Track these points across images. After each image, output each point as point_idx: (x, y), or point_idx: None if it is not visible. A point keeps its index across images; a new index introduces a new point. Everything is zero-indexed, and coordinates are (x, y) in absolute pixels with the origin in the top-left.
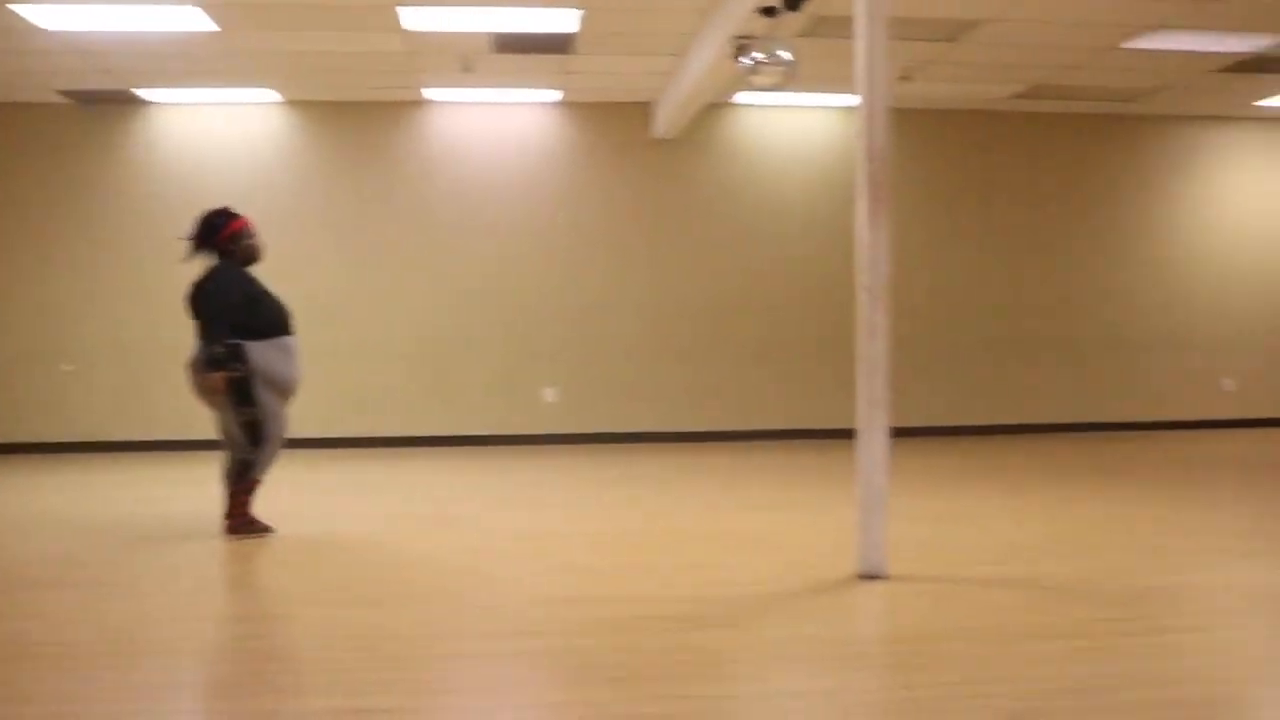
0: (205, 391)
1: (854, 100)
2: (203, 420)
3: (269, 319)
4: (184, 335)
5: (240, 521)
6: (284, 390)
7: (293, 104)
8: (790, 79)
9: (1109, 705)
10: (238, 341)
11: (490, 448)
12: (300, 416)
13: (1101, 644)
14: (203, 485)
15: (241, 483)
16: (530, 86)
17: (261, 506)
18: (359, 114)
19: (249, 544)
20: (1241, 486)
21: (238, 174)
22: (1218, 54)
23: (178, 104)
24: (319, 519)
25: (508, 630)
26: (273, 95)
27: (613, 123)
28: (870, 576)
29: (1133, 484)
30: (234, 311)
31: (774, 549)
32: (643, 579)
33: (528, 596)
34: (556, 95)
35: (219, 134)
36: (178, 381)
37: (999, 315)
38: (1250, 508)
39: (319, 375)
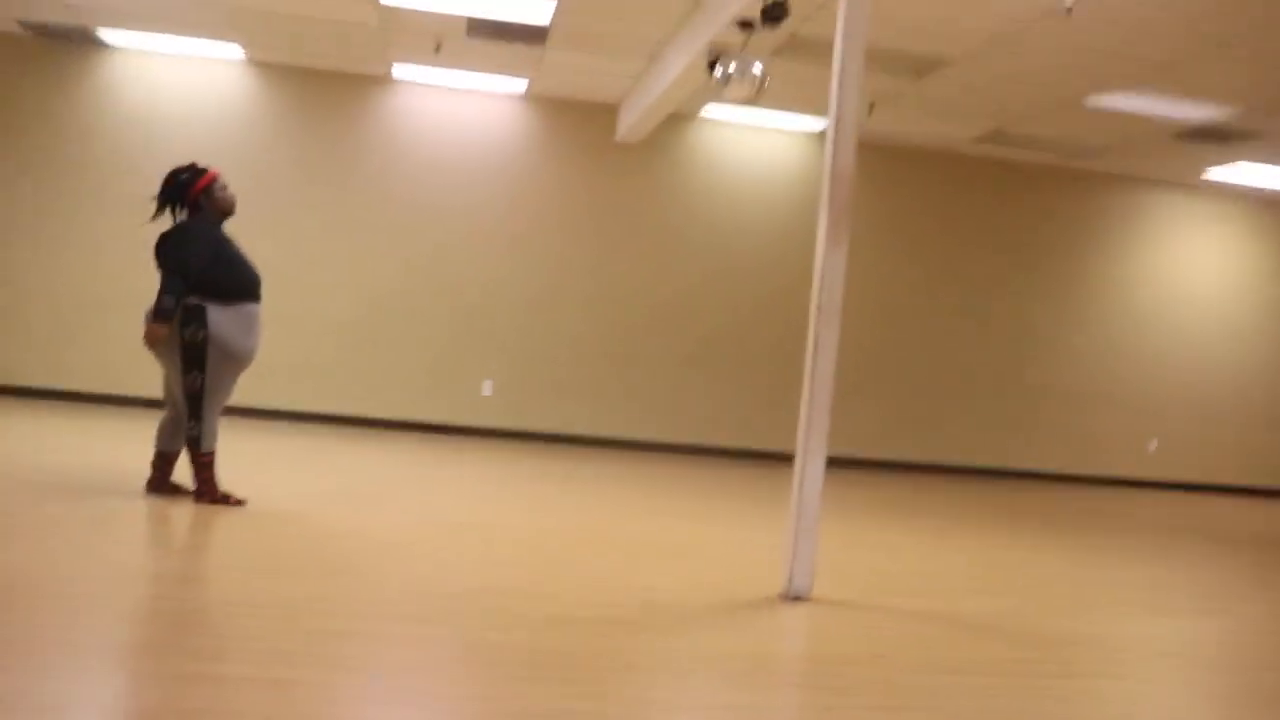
0: (150, 343)
1: (818, 124)
2: (133, 376)
3: (238, 283)
4: (123, 287)
5: (206, 495)
6: (240, 360)
7: (257, 64)
8: (760, 95)
9: None
10: (200, 303)
11: (425, 435)
12: (261, 388)
13: (1020, 683)
14: (129, 441)
15: (197, 459)
16: (499, 75)
17: (189, 471)
18: (324, 83)
19: (170, 504)
20: (1158, 545)
21: (192, 128)
22: (1174, 120)
23: (140, 50)
24: (248, 487)
25: (426, 615)
26: (237, 52)
27: (577, 121)
28: (795, 597)
29: (1053, 532)
30: (197, 266)
31: (700, 562)
32: (564, 579)
33: (449, 585)
34: (523, 87)
35: (178, 85)
36: (112, 334)
37: (939, 354)
38: (1165, 566)
39: (292, 345)
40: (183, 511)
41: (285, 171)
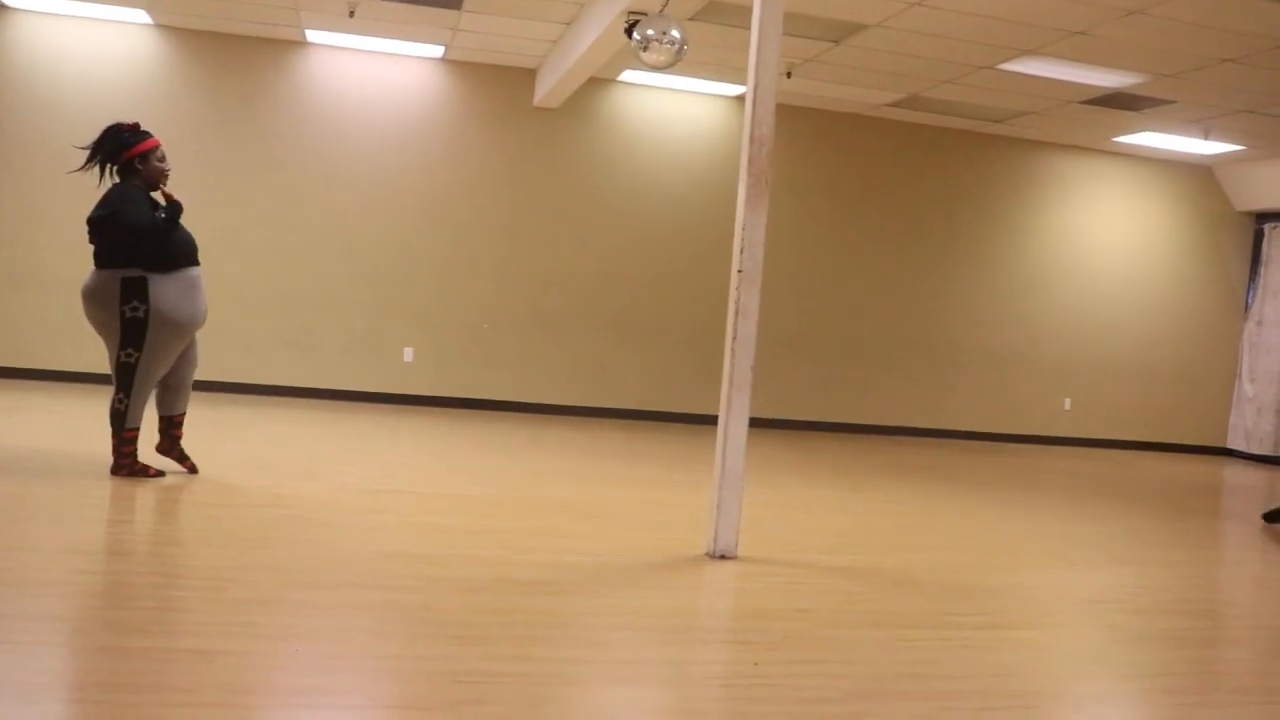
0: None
1: (738, 88)
2: (55, 352)
3: (178, 248)
4: (28, 259)
5: (125, 468)
6: (185, 330)
7: (164, 28)
8: (678, 59)
9: (946, 691)
10: (142, 275)
11: (346, 403)
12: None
13: (940, 634)
14: (54, 416)
15: (119, 434)
16: (415, 40)
17: (92, 436)
18: (234, 47)
19: (95, 479)
20: (1071, 500)
21: (96, 94)
22: (1083, 85)
23: (40, 11)
24: (164, 459)
25: (354, 582)
26: (142, 16)
27: (494, 86)
28: (721, 556)
29: (972, 489)
30: (144, 225)
31: (626, 524)
32: (492, 542)
33: (377, 551)
34: (439, 51)
35: (81, 50)
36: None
37: (859, 316)
38: (1078, 519)
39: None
40: (114, 486)
41: (195, 139)
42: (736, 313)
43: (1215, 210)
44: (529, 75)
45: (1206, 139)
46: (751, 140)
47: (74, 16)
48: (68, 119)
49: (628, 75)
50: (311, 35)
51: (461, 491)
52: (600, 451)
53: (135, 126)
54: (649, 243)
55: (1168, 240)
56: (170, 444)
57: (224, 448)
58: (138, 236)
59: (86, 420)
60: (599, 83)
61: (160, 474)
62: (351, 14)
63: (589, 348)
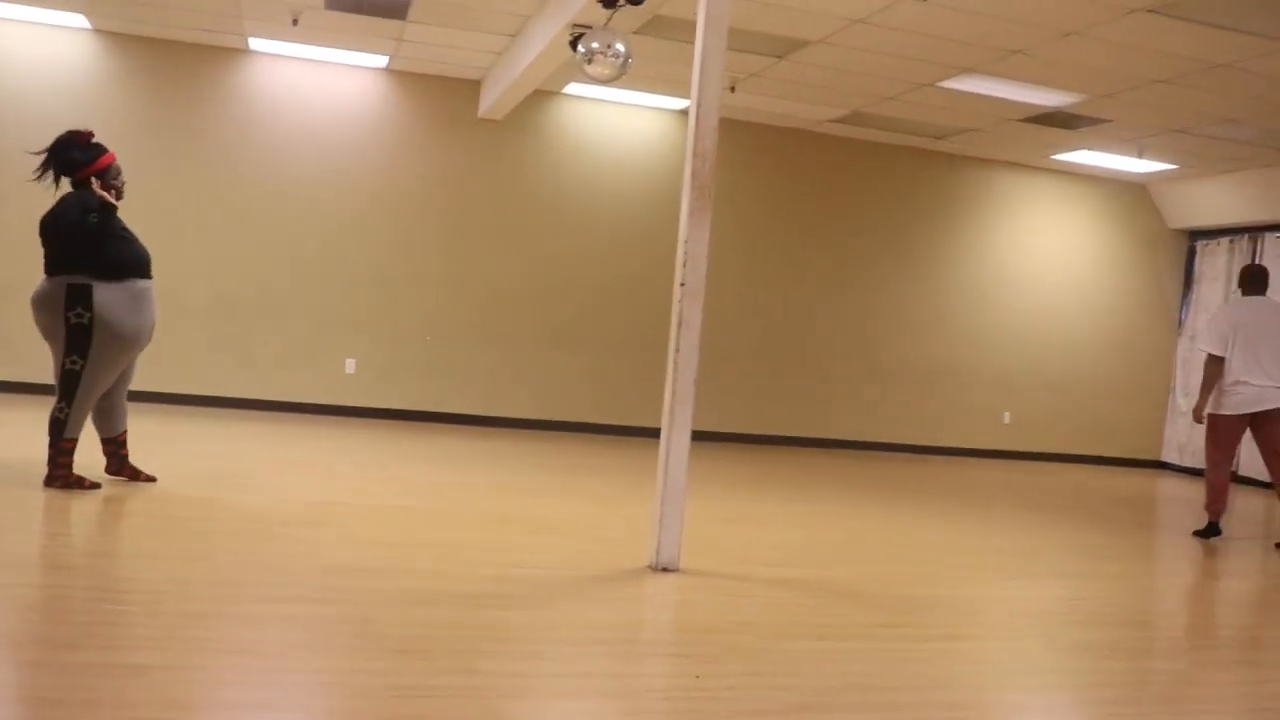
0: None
1: (681, 102)
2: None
3: (127, 257)
4: None
5: (60, 480)
6: (130, 341)
7: (104, 34)
8: (623, 73)
9: (888, 703)
10: (87, 282)
11: (288, 414)
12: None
13: (881, 646)
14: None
15: (57, 443)
16: (359, 49)
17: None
18: (176, 54)
19: (30, 490)
20: (1010, 513)
21: (34, 100)
22: (1022, 104)
23: None
24: (102, 473)
25: (295, 596)
26: (81, 21)
27: (439, 97)
28: (664, 569)
29: (913, 502)
30: (79, 228)
31: (567, 537)
32: (435, 555)
33: (317, 564)
34: (384, 61)
35: (18, 54)
36: None
37: (802, 330)
38: (1017, 532)
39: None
40: (49, 498)
41: (135, 146)
42: (679, 325)
43: (1150, 227)
44: (474, 87)
45: (1141, 158)
46: (695, 154)
47: (11, 20)
48: (3, 124)
49: (572, 88)
50: (255, 44)
51: (404, 504)
52: (544, 464)
53: (89, 138)
54: (593, 255)
55: (1104, 256)
56: (120, 464)
57: (161, 460)
58: (69, 238)
59: (23, 430)
60: (544, 95)
61: (96, 485)
62: (295, 22)
63: (533, 360)
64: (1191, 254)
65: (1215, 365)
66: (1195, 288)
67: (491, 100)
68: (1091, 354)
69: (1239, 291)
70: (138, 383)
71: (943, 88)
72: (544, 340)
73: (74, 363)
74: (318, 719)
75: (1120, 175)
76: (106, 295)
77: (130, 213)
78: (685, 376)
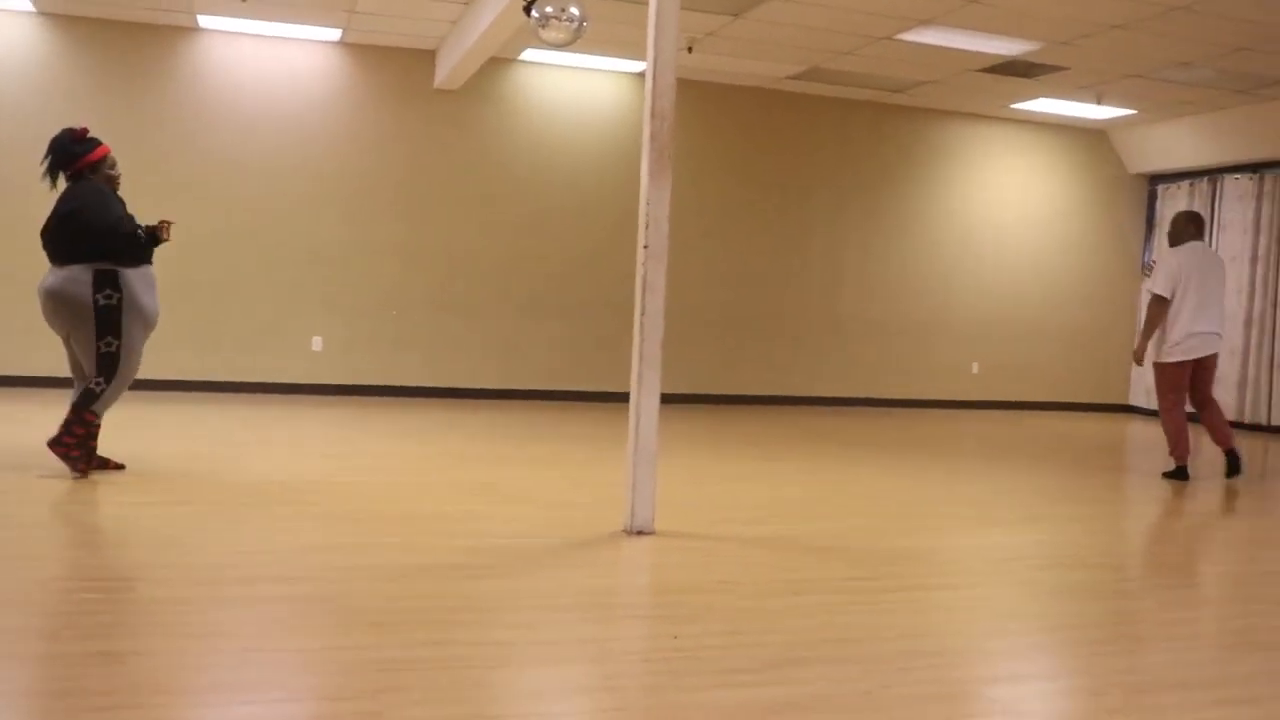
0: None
1: (639, 66)
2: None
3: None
4: None
5: (77, 455)
6: (150, 321)
7: (48, 16)
8: (578, 36)
9: (868, 655)
10: (113, 268)
11: (256, 395)
12: (45, 353)
13: (857, 599)
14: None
15: (82, 417)
16: (311, 23)
17: (18, 439)
18: (123, 34)
19: (35, 480)
20: (982, 462)
21: None
22: (979, 54)
23: None
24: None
25: (268, 575)
26: (24, 4)
27: (394, 69)
28: (638, 532)
29: (885, 456)
30: (121, 225)
31: (542, 504)
32: (408, 529)
33: (290, 543)
34: (337, 35)
35: None
36: None
37: (766, 289)
38: (989, 481)
39: None
40: (13, 486)
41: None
42: (644, 289)
43: (1110, 173)
44: (429, 57)
45: (1099, 104)
46: (653, 116)
47: None
48: None
49: (529, 54)
50: (204, 20)
51: (375, 479)
52: (514, 433)
53: (84, 133)
54: (556, 222)
55: (1066, 204)
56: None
57: (128, 445)
58: (115, 237)
59: None
60: (500, 63)
61: (121, 466)
62: None
63: (499, 330)
64: (1153, 198)
65: (1161, 306)
66: (1157, 232)
67: (447, 70)
68: (1057, 301)
69: (1169, 239)
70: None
71: (900, 40)
72: (509, 309)
73: (109, 344)
74: (299, 696)
75: (1080, 122)
76: (130, 278)
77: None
78: (652, 339)
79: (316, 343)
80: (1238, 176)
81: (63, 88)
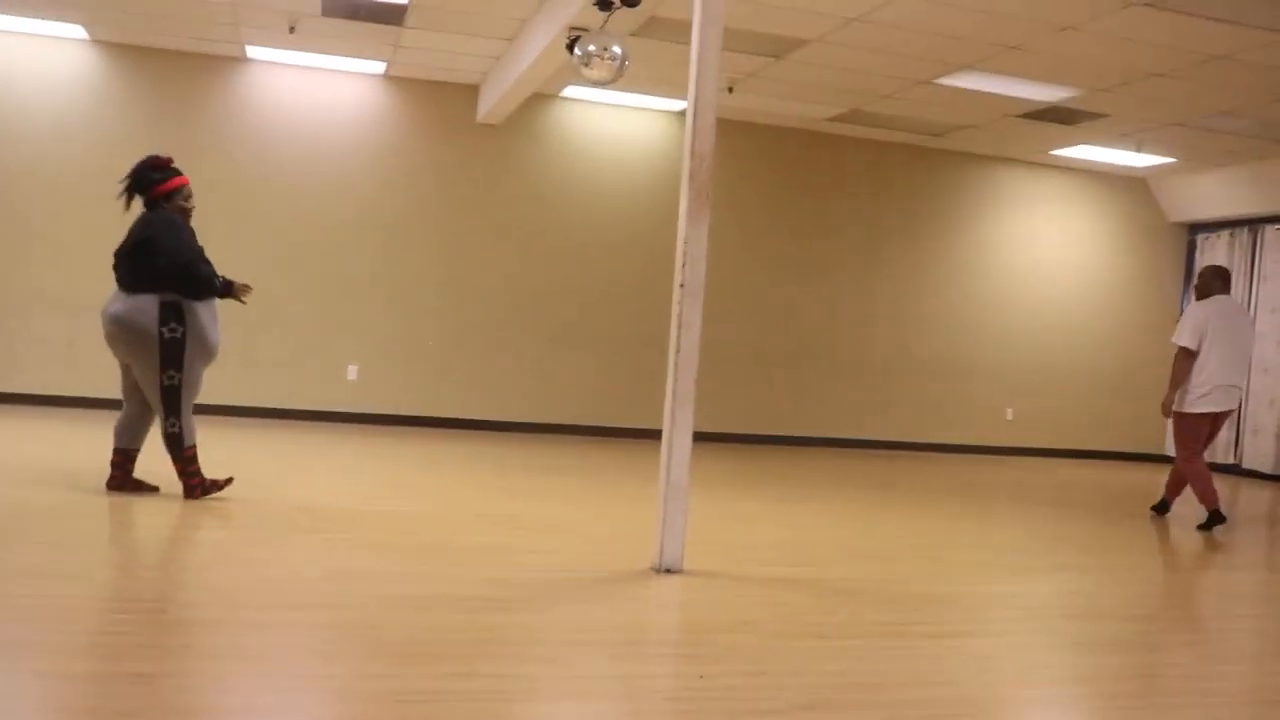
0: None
1: (679, 104)
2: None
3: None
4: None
5: (199, 487)
6: (212, 353)
7: (101, 44)
8: (620, 75)
9: (893, 700)
10: (178, 300)
11: (290, 421)
12: (88, 376)
13: (886, 644)
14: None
15: (180, 456)
16: (356, 56)
17: (46, 459)
18: (173, 63)
19: (33, 503)
20: (1014, 509)
21: (34, 112)
22: (1020, 99)
23: None
24: (101, 480)
25: (298, 602)
26: (80, 32)
27: (437, 102)
28: (667, 570)
29: (916, 500)
30: (197, 262)
31: (572, 539)
32: (438, 560)
33: (321, 570)
34: (381, 68)
35: (17, 65)
36: None
37: (801, 329)
38: (1022, 528)
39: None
40: (52, 509)
41: (134, 156)
42: (679, 326)
43: (1149, 222)
44: (472, 91)
45: (1139, 151)
46: (693, 155)
47: (10, 32)
48: (2, 136)
49: (570, 91)
50: (252, 51)
51: (407, 509)
52: (546, 466)
53: (168, 162)
54: (593, 257)
55: (1104, 251)
56: (123, 478)
57: (164, 468)
58: (189, 273)
59: (15, 443)
60: (542, 98)
61: (230, 481)
62: (292, 30)
63: (534, 363)
64: (1192, 247)
65: (1187, 360)
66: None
67: (490, 104)
68: (1093, 349)
69: (1195, 293)
70: None
71: (941, 84)
72: (545, 343)
73: (171, 378)
74: None
75: (1120, 170)
76: (195, 310)
77: (126, 221)
78: (686, 377)
79: (352, 371)
80: (1279, 227)
81: (114, 114)
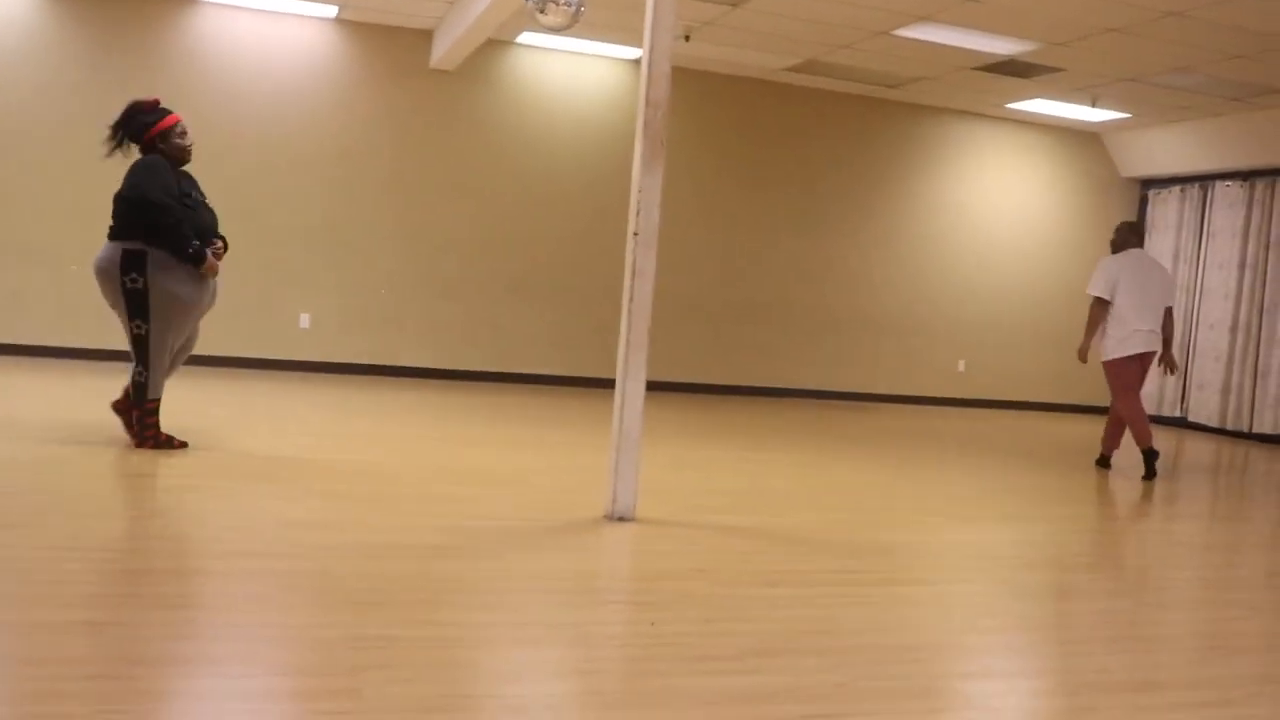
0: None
1: (635, 53)
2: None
3: (190, 228)
4: None
5: (152, 440)
6: (189, 305)
7: None
8: (576, 21)
9: (843, 647)
10: (142, 249)
11: (243, 370)
12: (41, 327)
13: (837, 592)
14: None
15: (142, 405)
16: None
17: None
18: (123, 7)
19: None
20: (964, 459)
21: None
22: (976, 52)
23: None
24: (61, 430)
25: (252, 551)
26: None
27: (390, 48)
28: (619, 518)
29: (867, 450)
30: (151, 192)
31: (525, 488)
32: (392, 509)
33: (275, 519)
34: (334, 11)
35: None
36: None
37: (755, 280)
38: (971, 478)
39: (60, 284)
40: (10, 459)
41: (83, 102)
42: (633, 275)
43: (1103, 177)
44: (425, 37)
45: (1094, 106)
46: (647, 103)
47: None
48: None
49: (525, 37)
50: None
51: (360, 458)
52: (500, 417)
53: (155, 104)
54: (547, 205)
55: (1057, 205)
56: (127, 405)
57: (113, 418)
58: (152, 210)
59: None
60: (496, 45)
61: (184, 444)
62: None
63: (488, 312)
64: (1144, 203)
65: (1100, 309)
66: (1148, 236)
67: (443, 50)
68: (1045, 302)
69: (1111, 246)
70: (86, 341)
71: (898, 36)
72: (499, 292)
73: (139, 327)
74: (276, 672)
75: (1074, 124)
76: (161, 261)
77: (73, 170)
78: (639, 325)
79: (304, 320)
80: (1229, 183)
81: (61, 60)
